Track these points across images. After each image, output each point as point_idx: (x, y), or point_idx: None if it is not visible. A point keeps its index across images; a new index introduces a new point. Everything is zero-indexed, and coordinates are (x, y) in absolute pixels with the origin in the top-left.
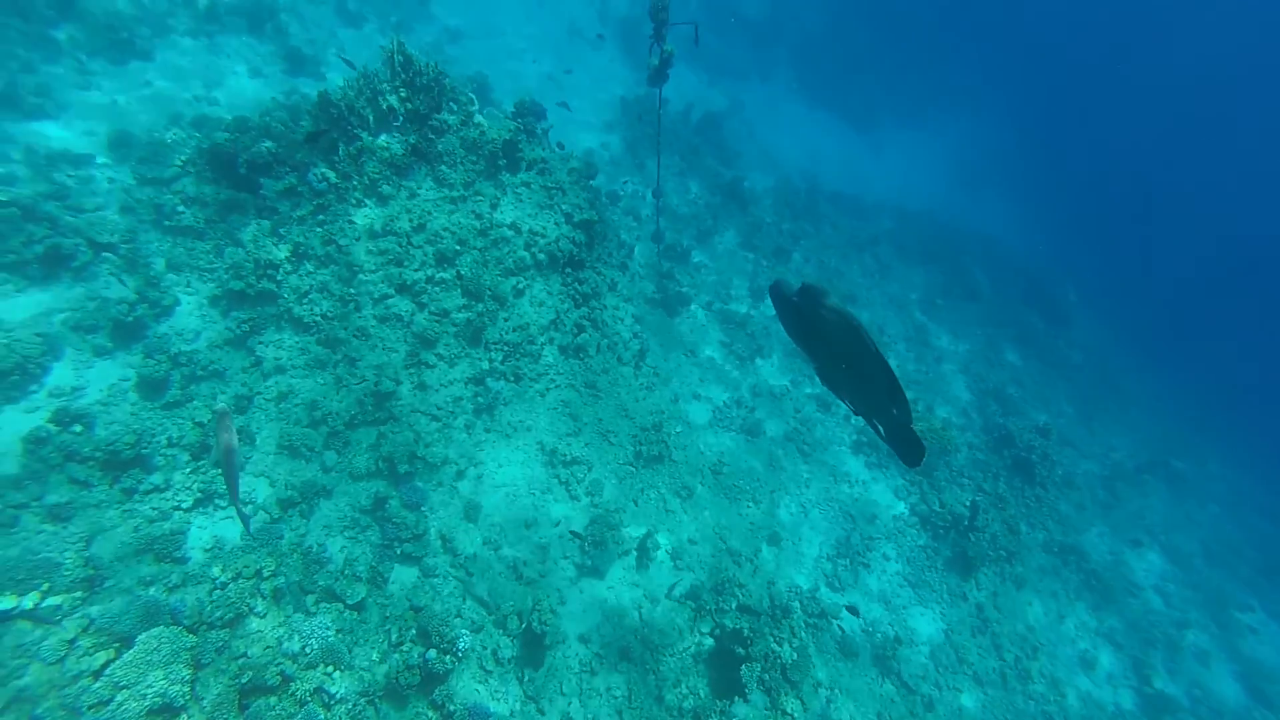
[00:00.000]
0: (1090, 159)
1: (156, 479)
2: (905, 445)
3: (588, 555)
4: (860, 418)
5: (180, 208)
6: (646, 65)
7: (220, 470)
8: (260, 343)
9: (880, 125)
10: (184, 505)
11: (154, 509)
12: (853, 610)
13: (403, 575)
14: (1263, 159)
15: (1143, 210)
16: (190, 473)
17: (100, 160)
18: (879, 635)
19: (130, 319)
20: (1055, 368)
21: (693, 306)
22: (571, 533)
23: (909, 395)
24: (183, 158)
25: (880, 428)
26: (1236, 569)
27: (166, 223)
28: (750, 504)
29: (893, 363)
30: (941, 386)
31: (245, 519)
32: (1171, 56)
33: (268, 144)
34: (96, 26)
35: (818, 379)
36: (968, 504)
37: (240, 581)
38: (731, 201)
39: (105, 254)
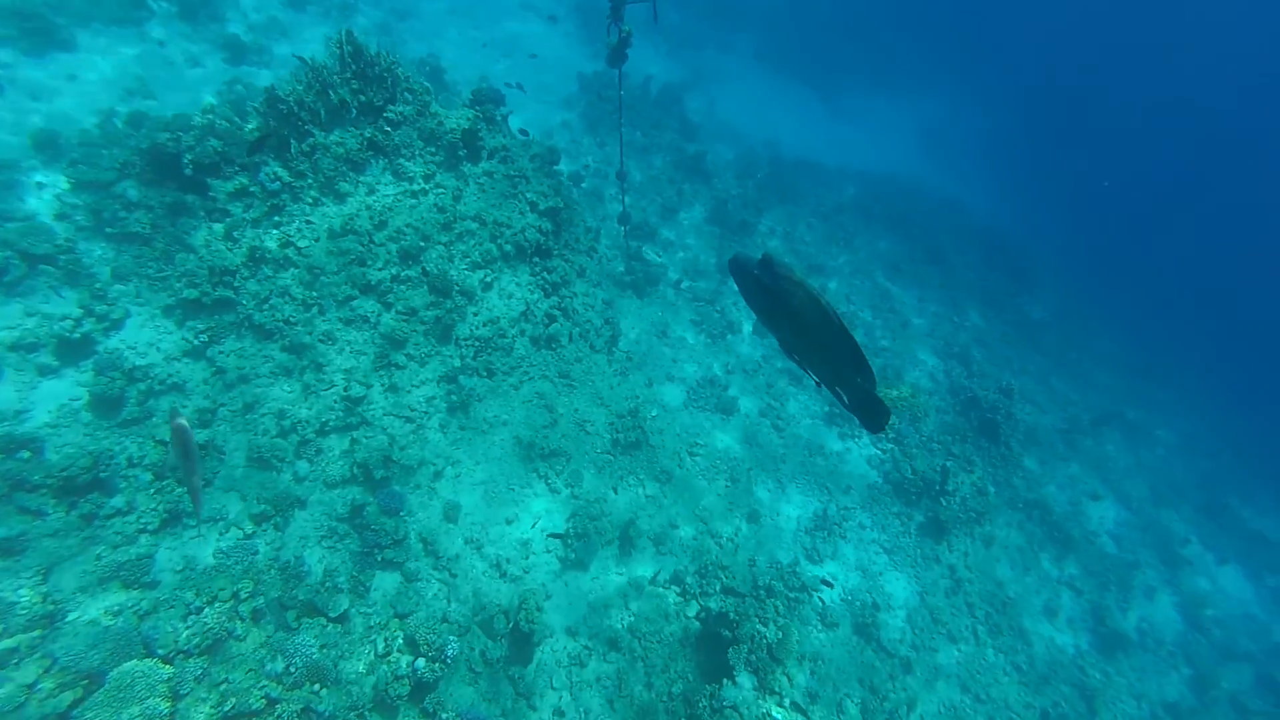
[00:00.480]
0: (1054, 119)
1: (118, 502)
2: (869, 412)
3: (571, 548)
4: (825, 388)
5: (122, 213)
6: (605, 44)
7: (185, 488)
8: (221, 352)
9: (844, 92)
10: (150, 527)
11: (118, 534)
12: (827, 583)
13: (385, 582)
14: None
15: (1098, 157)
16: (155, 493)
17: (26, 164)
18: (858, 603)
19: (76, 335)
20: (1017, 327)
21: (661, 286)
22: (552, 535)
23: (876, 363)
24: (121, 159)
25: (844, 396)
26: (1179, 507)
27: (109, 230)
28: (728, 483)
29: (859, 330)
30: (908, 352)
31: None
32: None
33: (214, 143)
34: (2, 13)
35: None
36: (938, 469)
37: (216, 604)
38: (696, 175)
39: (42, 266)
